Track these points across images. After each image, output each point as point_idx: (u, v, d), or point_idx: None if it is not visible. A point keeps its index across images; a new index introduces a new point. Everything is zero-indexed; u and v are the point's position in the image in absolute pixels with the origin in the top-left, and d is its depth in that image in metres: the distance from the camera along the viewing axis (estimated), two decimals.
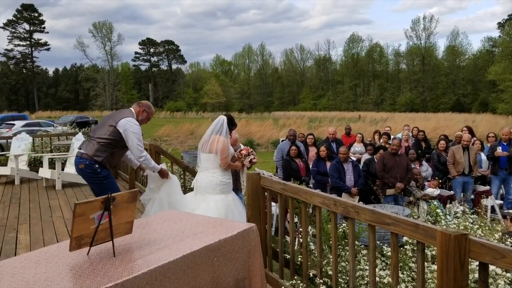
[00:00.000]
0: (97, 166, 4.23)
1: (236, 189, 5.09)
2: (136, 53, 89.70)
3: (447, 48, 71.29)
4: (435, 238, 2.01)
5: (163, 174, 4.68)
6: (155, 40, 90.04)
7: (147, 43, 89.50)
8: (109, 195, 2.45)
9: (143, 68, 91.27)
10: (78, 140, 9.21)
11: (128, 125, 4.29)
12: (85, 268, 2.27)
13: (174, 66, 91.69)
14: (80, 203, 2.27)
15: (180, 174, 7.07)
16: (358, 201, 7.25)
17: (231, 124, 4.79)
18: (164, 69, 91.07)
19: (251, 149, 5.35)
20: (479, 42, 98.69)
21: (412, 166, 8.08)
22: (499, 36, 61.38)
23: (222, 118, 4.73)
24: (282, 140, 10.58)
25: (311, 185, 8.24)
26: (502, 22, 65.72)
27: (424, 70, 69.35)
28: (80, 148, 4.38)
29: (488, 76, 51.35)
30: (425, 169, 8.73)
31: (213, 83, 75.81)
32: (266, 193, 3.59)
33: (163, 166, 4.83)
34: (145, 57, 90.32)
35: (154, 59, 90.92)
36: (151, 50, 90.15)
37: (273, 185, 3.41)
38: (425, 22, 72.08)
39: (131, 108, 4.56)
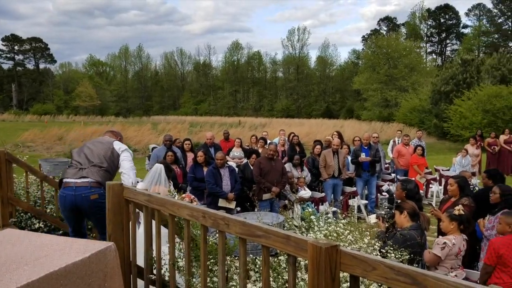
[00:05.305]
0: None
1: None
2: None
3: (318, 59, 76.66)
4: (306, 251, 1.87)
5: None
6: (21, 37, 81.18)
7: (11, 39, 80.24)
8: None
9: (5, 67, 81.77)
10: None
11: (123, 145, 4.26)
12: None
13: (42, 66, 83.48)
14: None
15: (38, 185, 6.22)
16: (236, 207, 7.16)
17: (169, 171, 4.77)
18: (31, 68, 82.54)
19: (193, 196, 5.18)
20: (346, 54, 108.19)
21: (288, 170, 8.26)
22: (363, 49, 67.74)
23: (159, 167, 4.63)
24: (153, 148, 9.96)
25: (188, 192, 7.94)
26: (365, 36, 72.86)
27: (299, 79, 73.50)
28: (84, 177, 3.96)
29: (353, 86, 56.03)
30: (306, 174, 8.96)
31: (86, 85, 70.55)
32: (130, 206, 3.21)
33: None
34: (8, 55, 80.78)
35: (19, 57, 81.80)
36: (16, 47, 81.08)
37: (137, 197, 3.05)
38: (299, 34, 76.57)
39: (107, 136, 4.52)
